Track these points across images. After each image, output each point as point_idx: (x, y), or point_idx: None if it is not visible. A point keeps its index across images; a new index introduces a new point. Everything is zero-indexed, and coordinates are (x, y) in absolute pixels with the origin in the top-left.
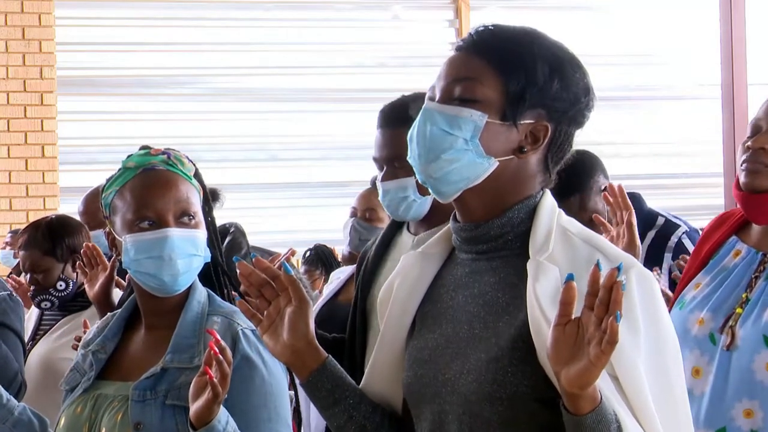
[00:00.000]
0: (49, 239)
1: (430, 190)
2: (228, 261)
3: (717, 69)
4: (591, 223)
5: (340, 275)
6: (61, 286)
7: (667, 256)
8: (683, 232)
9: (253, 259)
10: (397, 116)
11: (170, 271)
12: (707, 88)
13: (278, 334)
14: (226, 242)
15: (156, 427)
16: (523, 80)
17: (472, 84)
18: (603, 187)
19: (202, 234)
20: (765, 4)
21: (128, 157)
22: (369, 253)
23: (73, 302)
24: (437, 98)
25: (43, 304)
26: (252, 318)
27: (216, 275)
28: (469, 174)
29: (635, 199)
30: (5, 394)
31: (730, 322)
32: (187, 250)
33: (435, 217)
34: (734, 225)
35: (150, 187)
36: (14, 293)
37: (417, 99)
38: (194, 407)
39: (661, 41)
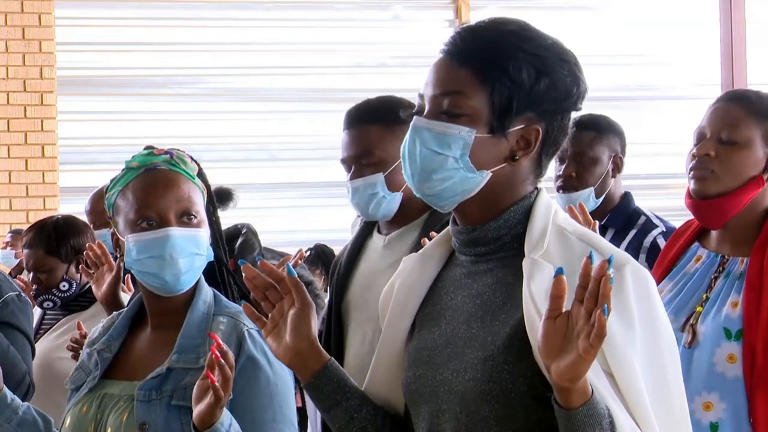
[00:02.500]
0: (53, 239)
1: (427, 202)
2: (239, 261)
3: (717, 69)
4: (588, 165)
5: None
6: (64, 286)
7: (642, 257)
8: (659, 233)
9: (258, 262)
10: (361, 115)
11: (172, 270)
12: (707, 88)
13: (281, 336)
14: (238, 243)
15: (161, 428)
16: (509, 89)
17: (458, 98)
18: (614, 154)
19: (204, 233)
20: (765, 4)
21: (132, 157)
22: (341, 258)
23: (75, 302)
24: (425, 111)
25: (45, 304)
26: (256, 321)
27: (221, 275)
28: (463, 188)
29: (625, 196)
30: (9, 394)
31: (691, 321)
32: (189, 249)
33: (404, 216)
34: (696, 231)
35: (152, 186)
36: (23, 293)
37: (382, 100)
38: (197, 410)
39: (661, 41)
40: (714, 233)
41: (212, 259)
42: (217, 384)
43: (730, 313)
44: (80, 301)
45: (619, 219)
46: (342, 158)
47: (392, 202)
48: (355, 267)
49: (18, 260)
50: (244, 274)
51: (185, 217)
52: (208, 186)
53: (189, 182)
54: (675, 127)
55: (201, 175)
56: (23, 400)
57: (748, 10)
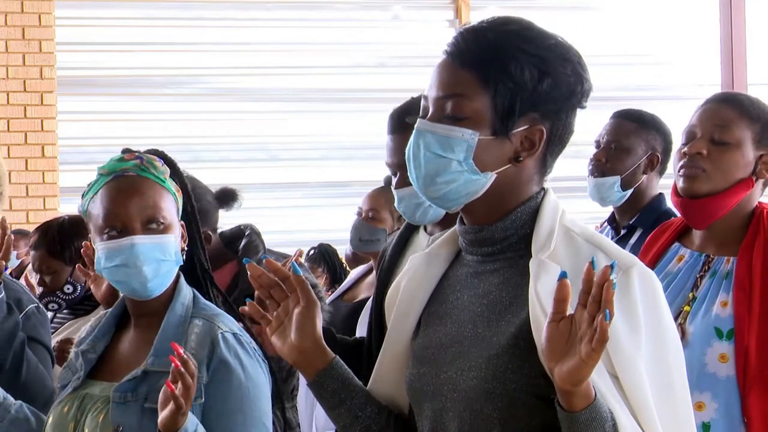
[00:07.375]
0: (58, 241)
1: (433, 205)
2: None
3: (717, 69)
4: (620, 154)
5: (356, 275)
6: (68, 289)
7: None
8: None
9: (264, 261)
10: (405, 120)
11: (138, 278)
12: (707, 88)
13: (286, 335)
14: (242, 243)
15: (135, 430)
16: (511, 90)
17: (460, 101)
18: (651, 151)
19: (171, 239)
20: (765, 4)
21: (106, 163)
22: (386, 254)
23: (80, 305)
24: (429, 114)
25: (50, 306)
26: (262, 319)
27: (201, 275)
28: (468, 190)
29: (657, 197)
30: (2, 393)
31: (679, 320)
32: (154, 256)
33: (451, 217)
34: (675, 232)
35: (118, 194)
36: (41, 305)
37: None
38: (161, 416)
39: (661, 41)
40: (696, 233)
41: (181, 263)
42: (177, 393)
43: (720, 312)
44: (86, 304)
45: (648, 219)
46: (387, 163)
47: (439, 209)
48: (398, 263)
49: (19, 261)
50: (249, 273)
51: (151, 224)
52: (184, 186)
53: (157, 187)
54: (675, 128)
55: (178, 176)
56: None
57: (748, 10)
